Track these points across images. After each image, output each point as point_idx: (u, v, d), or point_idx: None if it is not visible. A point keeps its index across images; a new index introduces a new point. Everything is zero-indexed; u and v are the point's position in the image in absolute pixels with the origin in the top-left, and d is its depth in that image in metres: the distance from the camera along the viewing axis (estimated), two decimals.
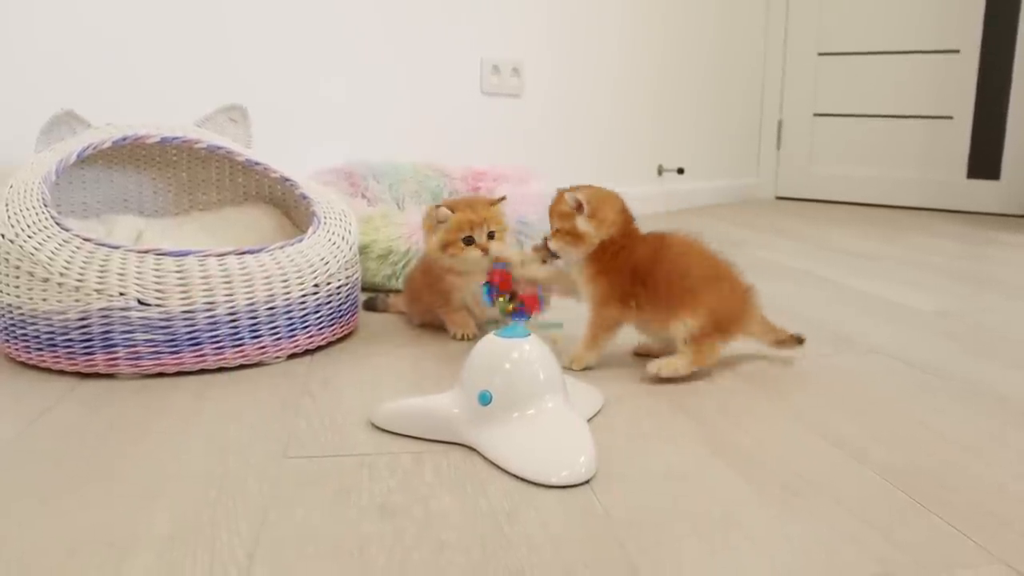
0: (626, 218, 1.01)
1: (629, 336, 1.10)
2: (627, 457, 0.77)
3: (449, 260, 1.12)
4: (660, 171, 3.02)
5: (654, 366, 0.98)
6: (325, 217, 1.18)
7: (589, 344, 1.01)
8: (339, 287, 1.15)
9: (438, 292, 1.18)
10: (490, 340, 0.81)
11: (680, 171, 3.01)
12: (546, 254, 1.01)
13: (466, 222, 1.10)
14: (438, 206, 1.11)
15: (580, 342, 1.02)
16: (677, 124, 3.08)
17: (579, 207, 0.98)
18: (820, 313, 1.38)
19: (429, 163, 1.92)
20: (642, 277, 0.98)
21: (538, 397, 0.78)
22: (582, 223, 0.97)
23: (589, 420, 0.86)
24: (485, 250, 1.10)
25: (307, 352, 1.11)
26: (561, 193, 1.01)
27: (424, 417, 0.81)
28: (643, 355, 1.08)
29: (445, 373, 1.04)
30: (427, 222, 1.14)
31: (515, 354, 0.79)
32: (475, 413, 0.78)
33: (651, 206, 2.95)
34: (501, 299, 0.95)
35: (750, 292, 1.01)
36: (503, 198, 1.17)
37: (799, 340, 1.05)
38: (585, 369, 1.02)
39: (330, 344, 1.15)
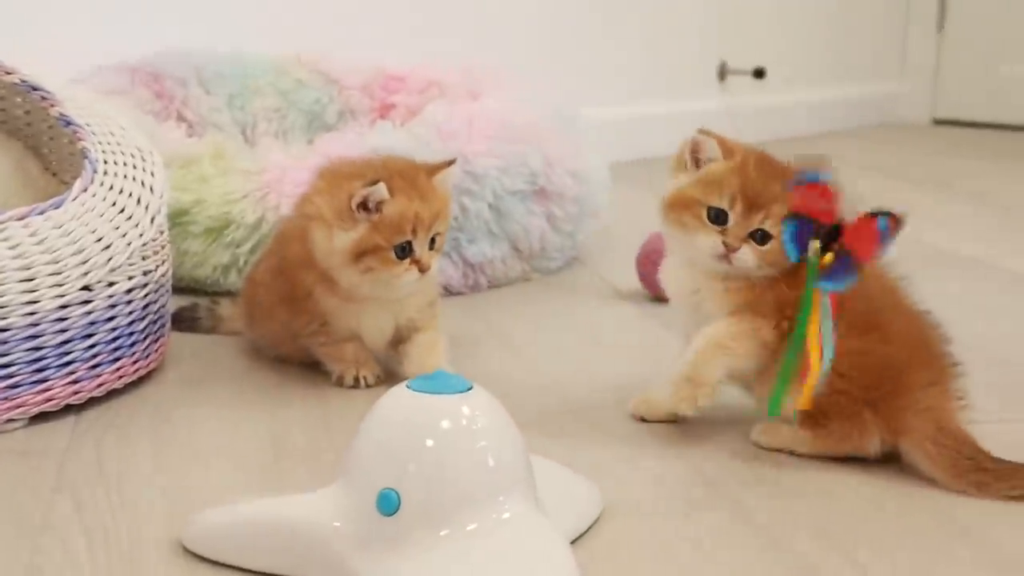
0: None
1: (630, 383, 1.11)
2: None
3: (358, 276, 1.13)
4: (723, 73, 3.05)
5: (765, 435, 1.04)
6: (105, 160, 1.18)
7: (724, 344, 1.03)
8: (130, 290, 1.15)
9: (302, 312, 1.19)
10: (400, 397, 0.81)
11: (758, 74, 3.05)
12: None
13: (410, 217, 1.11)
14: (373, 182, 1.09)
15: (699, 354, 1.04)
16: None
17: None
18: (1003, 337, 1.41)
19: (304, 59, 1.91)
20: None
21: (486, 501, 0.78)
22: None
23: (576, 541, 0.86)
24: (425, 270, 1.13)
25: (70, 410, 1.11)
26: (775, 175, 1.04)
27: (278, 536, 0.81)
28: (652, 419, 1.11)
29: (321, 454, 1.03)
30: (333, 199, 1.12)
31: (444, 423, 0.79)
32: (371, 530, 0.78)
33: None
34: (814, 244, 0.98)
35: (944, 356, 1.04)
36: (452, 162, 1.18)
37: None
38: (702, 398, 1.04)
39: (114, 394, 1.15)
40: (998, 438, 1.04)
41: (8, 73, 1.24)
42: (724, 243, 1.03)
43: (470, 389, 0.81)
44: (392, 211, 1.10)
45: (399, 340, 1.22)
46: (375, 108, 1.89)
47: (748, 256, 1.03)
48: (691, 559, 0.85)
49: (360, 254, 1.11)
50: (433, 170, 1.16)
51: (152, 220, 1.17)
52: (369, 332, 1.20)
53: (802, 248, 1.00)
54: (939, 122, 3.62)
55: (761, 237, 1.03)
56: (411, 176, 1.14)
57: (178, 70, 1.78)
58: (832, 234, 1.00)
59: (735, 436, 1.07)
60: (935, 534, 0.90)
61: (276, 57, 1.92)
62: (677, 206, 1.06)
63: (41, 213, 1.09)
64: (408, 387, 0.81)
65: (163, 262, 1.22)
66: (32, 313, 1.06)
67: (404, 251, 1.12)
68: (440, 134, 1.54)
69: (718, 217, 1.04)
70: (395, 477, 0.78)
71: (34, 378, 1.07)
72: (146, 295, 1.18)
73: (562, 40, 2.65)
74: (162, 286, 1.22)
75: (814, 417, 1.01)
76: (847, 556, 0.86)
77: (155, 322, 1.21)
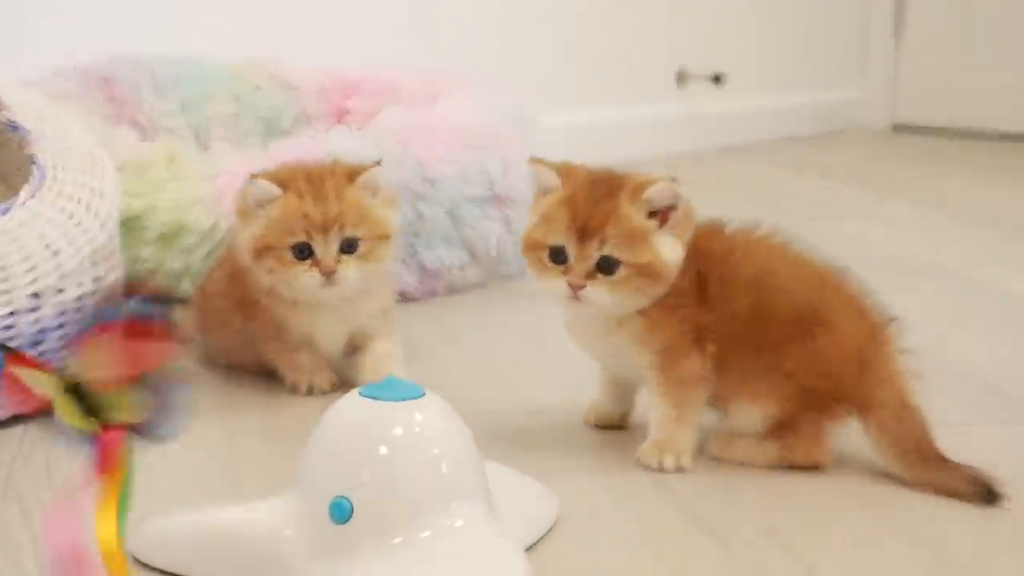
0: None
1: (583, 392, 1.12)
2: None
3: (267, 277, 1.13)
4: (681, 79, 3.06)
5: (718, 448, 1.03)
6: (54, 165, 1.17)
7: (680, 421, 1.01)
8: (80, 297, 1.14)
9: (256, 317, 1.19)
10: (352, 404, 0.81)
11: (717, 79, 3.06)
12: None
13: (299, 216, 1.10)
14: (256, 176, 1.11)
15: (661, 423, 1.02)
16: None
17: (668, 208, 0.96)
18: (966, 344, 1.42)
19: (259, 64, 1.91)
20: (709, 308, 0.99)
21: (439, 508, 0.78)
22: (668, 244, 0.96)
23: (530, 548, 0.86)
24: (329, 274, 1.11)
25: (19, 419, 1.10)
26: (604, 194, 0.96)
27: (229, 545, 0.81)
28: (605, 426, 1.11)
29: (274, 462, 1.03)
30: (240, 202, 1.15)
31: (397, 430, 0.79)
32: (324, 538, 0.77)
33: (665, 138, 2.99)
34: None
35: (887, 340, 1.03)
36: (376, 164, 1.16)
37: (988, 495, 0.94)
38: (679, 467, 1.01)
39: None
40: (960, 443, 1.05)
41: None
42: (568, 283, 0.96)
43: (423, 396, 0.81)
44: (279, 210, 1.10)
45: (354, 348, 1.21)
46: (332, 113, 1.89)
47: (598, 293, 0.96)
48: (646, 565, 0.85)
49: (258, 253, 1.11)
50: (355, 173, 1.14)
51: (103, 226, 1.17)
52: (322, 339, 1.19)
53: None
54: (898, 128, 3.65)
55: (607, 265, 0.95)
56: (319, 178, 1.12)
57: (131, 74, 1.77)
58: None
59: None
60: (887, 538, 0.90)
61: (231, 62, 1.91)
62: (527, 252, 1.00)
63: None
64: (360, 394, 0.81)
65: (114, 269, 1.21)
66: None
67: (303, 253, 1.10)
68: (396, 139, 1.54)
69: (558, 256, 0.97)
70: (348, 485, 0.77)
71: None
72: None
73: (520, 45, 2.65)
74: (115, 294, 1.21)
75: (783, 427, 1.01)
76: (800, 559, 0.86)
77: None
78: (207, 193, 1.45)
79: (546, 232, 0.97)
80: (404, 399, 0.80)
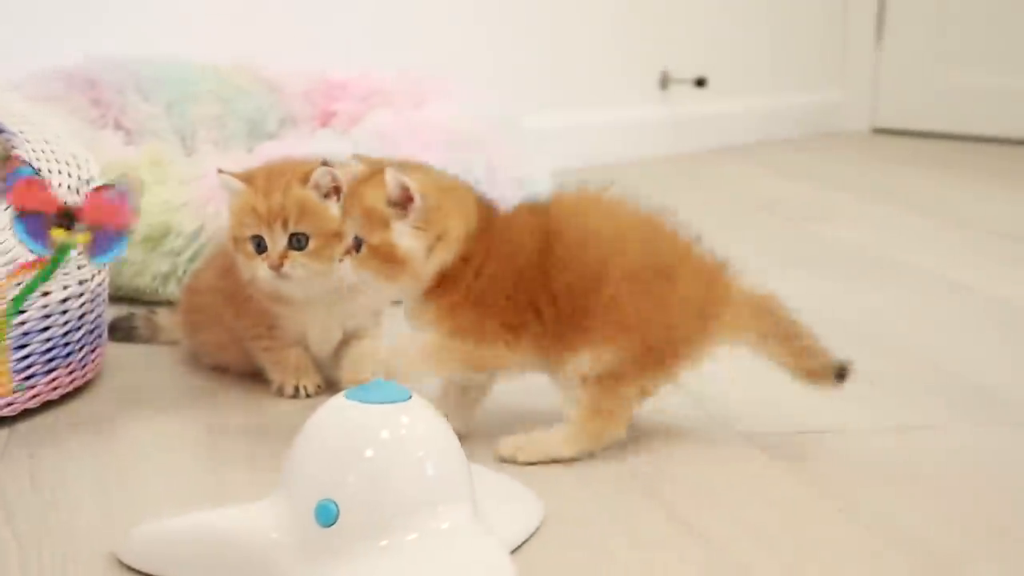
0: (483, 214, 1.03)
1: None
2: None
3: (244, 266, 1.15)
4: (664, 82, 3.07)
5: (508, 445, 1.03)
6: (39, 168, 1.16)
7: (428, 359, 1.02)
8: (65, 299, 1.14)
9: (247, 313, 1.19)
10: (338, 408, 0.81)
11: (700, 82, 3.07)
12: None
13: (250, 209, 1.12)
14: (222, 171, 1.14)
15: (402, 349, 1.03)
16: (693, 0, 3.14)
17: (406, 199, 0.97)
18: (947, 345, 1.43)
19: (244, 67, 1.90)
20: (534, 288, 1.00)
21: (425, 510, 0.78)
22: (405, 235, 0.98)
23: (515, 551, 0.87)
24: (275, 267, 1.11)
25: (3, 423, 1.10)
26: (372, 169, 1.00)
27: (216, 549, 0.81)
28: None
29: (259, 464, 1.03)
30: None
31: (384, 433, 0.79)
32: (309, 540, 0.78)
33: (647, 141, 3.00)
34: (58, 232, 1.00)
35: (724, 272, 1.04)
36: (323, 163, 1.14)
37: (840, 373, 1.03)
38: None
39: (49, 406, 1.14)
40: (936, 444, 1.06)
41: None
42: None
43: (409, 398, 0.81)
44: (238, 203, 1.13)
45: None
46: (317, 116, 1.89)
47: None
48: (631, 565, 0.86)
49: (233, 243, 1.14)
50: (305, 172, 1.14)
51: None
52: (315, 338, 1.20)
53: (43, 241, 1.02)
54: (879, 131, 3.67)
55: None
56: (277, 174, 1.14)
57: (115, 77, 1.77)
58: (66, 217, 1.02)
59: (670, 440, 1.09)
60: (872, 538, 0.91)
61: (215, 64, 1.91)
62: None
63: None
64: (346, 397, 0.81)
65: (99, 271, 1.21)
66: None
67: (260, 246, 1.12)
68: (382, 142, 1.54)
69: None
70: (334, 488, 0.78)
71: None
72: (82, 305, 1.17)
73: (504, 48, 2.65)
74: (98, 295, 1.21)
75: (597, 384, 1.01)
76: (778, 556, 0.87)
77: (91, 332, 1.20)
78: (192, 196, 1.45)
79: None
80: (390, 402, 0.81)
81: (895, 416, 1.18)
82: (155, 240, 1.45)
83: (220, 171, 1.15)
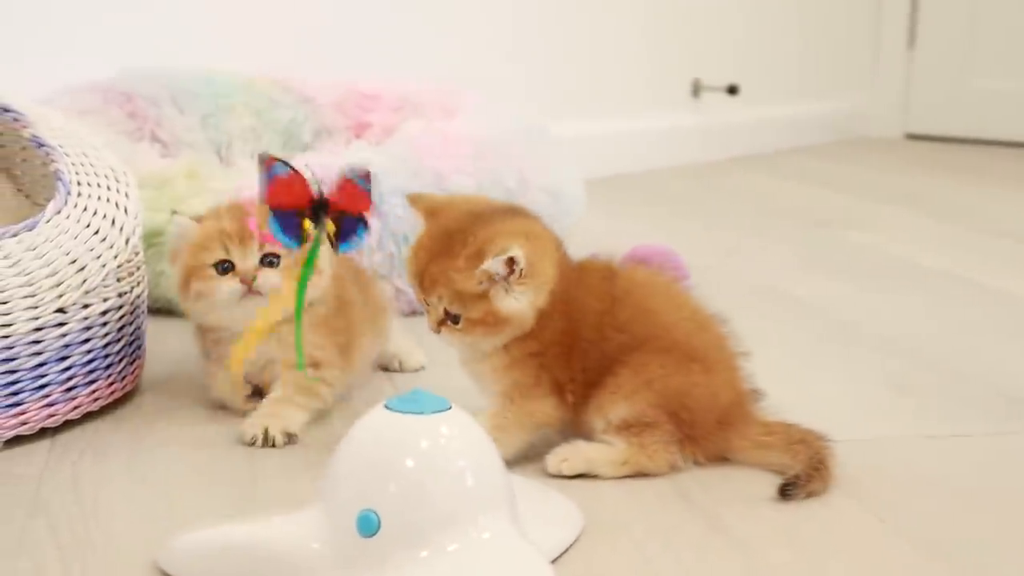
0: (559, 250, 1.04)
1: None
2: None
3: (196, 306, 1.15)
4: (697, 89, 3.07)
5: (556, 459, 1.02)
6: (79, 181, 1.17)
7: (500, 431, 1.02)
8: (105, 312, 1.15)
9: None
10: (378, 417, 0.81)
11: (732, 90, 3.06)
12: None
13: (216, 234, 1.13)
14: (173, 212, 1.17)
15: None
16: (726, 7, 3.13)
17: (510, 269, 0.97)
18: (979, 353, 1.42)
19: (277, 78, 1.91)
20: (588, 346, 1.02)
21: (466, 521, 0.78)
22: (507, 298, 0.98)
23: (555, 560, 0.86)
24: (249, 281, 1.11)
25: (46, 433, 1.10)
26: (441, 251, 0.99)
27: (256, 559, 0.81)
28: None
29: (297, 475, 1.03)
30: (170, 245, 1.18)
31: (423, 443, 0.79)
32: (350, 551, 0.78)
33: (679, 149, 2.99)
34: (308, 223, 1.02)
35: (750, 400, 1.06)
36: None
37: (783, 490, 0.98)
38: None
39: (89, 417, 1.15)
40: (970, 454, 1.05)
41: None
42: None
43: (448, 408, 0.81)
44: (198, 234, 1.14)
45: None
46: (350, 127, 1.89)
47: (450, 339, 1.02)
48: (670, 574, 0.85)
49: (184, 282, 1.14)
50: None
51: (127, 241, 1.17)
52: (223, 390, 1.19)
53: (297, 236, 1.03)
54: (911, 137, 3.65)
55: (452, 317, 1.00)
56: (236, 206, 1.16)
57: (151, 90, 1.78)
58: (318, 208, 1.04)
59: None
60: (907, 545, 0.90)
61: (248, 76, 1.92)
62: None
63: (14, 235, 1.08)
64: (386, 407, 0.81)
65: (138, 283, 1.22)
66: (6, 336, 1.05)
67: (225, 269, 1.12)
68: (416, 152, 1.54)
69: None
70: (375, 498, 0.78)
71: (8, 401, 1.06)
72: (121, 317, 1.18)
73: (536, 57, 2.65)
74: (137, 307, 1.22)
75: (630, 427, 1.01)
76: (820, 567, 0.87)
77: (131, 344, 1.20)
78: None
79: (407, 272, 1.04)
80: (430, 412, 0.81)
81: (929, 425, 1.17)
82: None
83: (175, 212, 1.16)
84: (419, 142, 1.58)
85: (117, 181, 1.21)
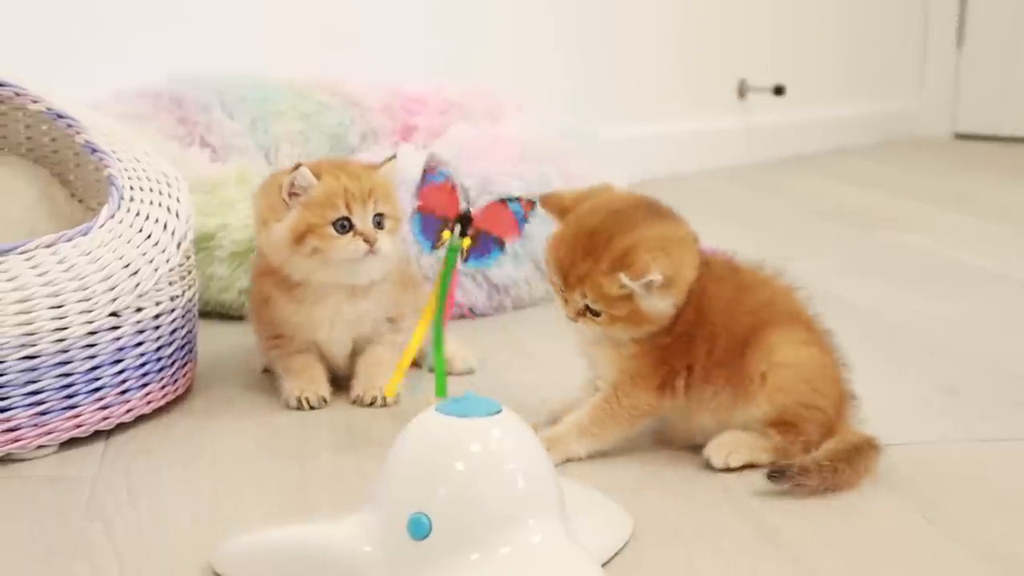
0: (696, 245, 1.06)
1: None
2: None
3: (307, 261, 1.16)
4: (743, 90, 3.05)
5: (715, 451, 1.03)
6: (131, 186, 1.19)
7: (588, 430, 1.05)
8: (158, 315, 1.16)
9: (263, 319, 1.24)
10: (429, 421, 0.81)
11: (778, 91, 3.05)
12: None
13: (339, 192, 1.15)
14: (296, 165, 1.15)
15: (570, 421, 1.06)
16: (771, 8, 3.11)
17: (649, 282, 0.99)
18: None
19: (323, 82, 1.92)
20: (716, 330, 1.03)
21: (516, 524, 0.78)
22: (652, 300, 1.01)
23: (606, 563, 0.86)
24: (371, 242, 1.15)
25: (100, 436, 1.11)
26: (585, 254, 1.01)
27: (308, 561, 0.82)
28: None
29: (348, 478, 1.04)
30: (266, 198, 1.19)
31: (474, 446, 0.80)
32: (402, 554, 0.78)
33: (726, 150, 2.98)
34: (447, 232, 1.09)
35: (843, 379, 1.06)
36: (392, 158, 1.21)
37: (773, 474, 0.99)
38: (565, 462, 1.05)
39: (142, 420, 1.16)
40: (1012, 457, 1.04)
41: (35, 102, 1.25)
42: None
43: (499, 412, 0.82)
44: (319, 190, 1.15)
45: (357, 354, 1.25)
46: (397, 130, 1.90)
47: (588, 329, 1.04)
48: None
49: (299, 236, 1.15)
50: (374, 166, 1.20)
51: (178, 245, 1.18)
52: (326, 342, 1.22)
53: (433, 239, 1.11)
54: (960, 136, 3.61)
55: (592, 311, 1.02)
56: (341, 163, 1.20)
57: (200, 95, 1.79)
58: (463, 221, 1.11)
59: None
60: (952, 547, 0.89)
61: (296, 80, 1.93)
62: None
63: (69, 240, 1.09)
64: (437, 410, 0.82)
65: (190, 287, 1.23)
66: (61, 340, 1.06)
67: (345, 228, 1.14)
68: (463, 155, 1.55)
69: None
70: (426, 501, 0.78)
71: (64, 404, 1.08)
72: (173, 320, 1.19)
73: (581, 59, 2.65)
74: (189, 311, 1.23)
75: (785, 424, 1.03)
76: (868, 570, 0.86)
77: (182, 347, 1.21)
78: None
79: (547, 265, 1.06)
80: (481, 415, 0.81)
81: (978, 428, 1.16)
82: (241, 256, 1.47)
83: (295, 167, 1.16)
84: (467, 145, 1.58)
85: (169, 186, 1.22)
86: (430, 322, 1.14)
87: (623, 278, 0.98)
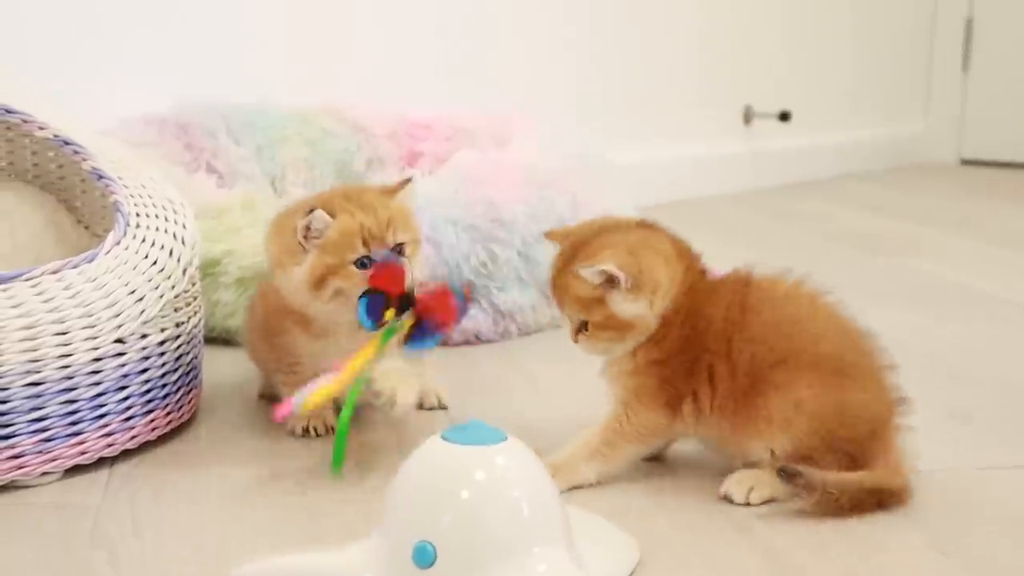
0: (686, 261, 1.05)
1: None
2: None
3: (329, 304, 1.13)
4: (748, 116, 3.05)
5: (735, 486, 1.01)
6: (137, 212, 1.19)
7: (598, 450, 1.05)
8: (163, 342, 1.16)
9: (276, 348, 1.22)
10: (434, 449, 0.81)
11: (784, 117, 3.05)
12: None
13: (356, 230, 1.12)
14: (310, 210, 1.12)
15: (577, 445, 1.06)
16: (777, 34, 3.12)
17: (610, 280, 1.01)
18: None
19: (329, 108, 1.93)
20: (713, 357, 1.02)
21: (521, 552, 0.78)
22: (624, 303, 1.02)
23: None
24: None
25: (104, 463, 1.11)
26: (566, 263, 1.03)
27: None
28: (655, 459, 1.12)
29: (353, 506, 1.04)
30: (280, 240, 1.15)
31: (479, 474, 0.79)
32: None
33: (731, 176, 2.98)
34: (389, 313, 1.07)
35: (893, 400, 1.04)
36: (407, 181, 1.18)
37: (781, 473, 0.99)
38: (572, 489, 1.04)
39: (147, 447, 1.16)
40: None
41: (41, 128, 1.25)
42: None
43: (504, 440, 0.82)
44: (335, 230, 1.11)
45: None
46: (403, 156, 1.90)
47: (584, 346, 1.06)
48: None
49: (319, 280, 1.11)
50: (390, 191, 1.17)
51: (184, 272, 1.18)
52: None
53: (375, 317, 1.08)
54: (966, 162, 3.61)
55: (583, 326, 1.04)
56: (355, 196, 1.15)
57: (206, 121, 1.80)
58: (404, 303, 1.08)
59: None
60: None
61: (301, 106, 1.94)
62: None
63: (75, 267, 1.09)
64: (442, 438, 0.82)
65: (195, 313, 1.23)
66: (66, 367, 1.06)
67: (365, 265, 1.11)
68: (469, 181, 1.55)
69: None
70: (431, 529, 0.78)
71: (68, 431, 1.07)
72: (179, 347, 1.19)
73: (587, 84, 2.66)
74: (194, 337, 1.23)
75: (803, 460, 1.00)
76: None
77: (187, 374, 1.21)
78: None
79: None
80: (486, 443, 0.81)
81: (991, 455, 1.15)
82: (247, 281, 1.47)
83: (309, 211, 1.12)
84: (472, 171, 1.58)
85: (175, 212, 1.23)
86: (355, 374, 1.08)
87: (578, 268, 1.00)
